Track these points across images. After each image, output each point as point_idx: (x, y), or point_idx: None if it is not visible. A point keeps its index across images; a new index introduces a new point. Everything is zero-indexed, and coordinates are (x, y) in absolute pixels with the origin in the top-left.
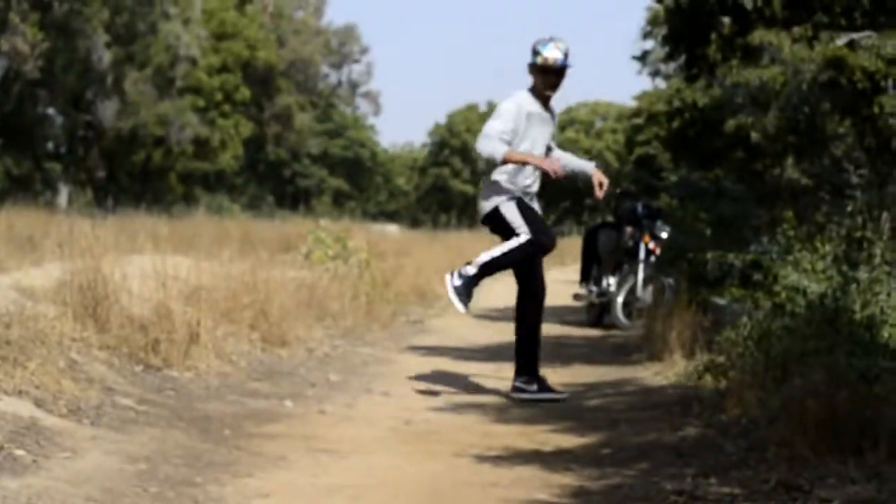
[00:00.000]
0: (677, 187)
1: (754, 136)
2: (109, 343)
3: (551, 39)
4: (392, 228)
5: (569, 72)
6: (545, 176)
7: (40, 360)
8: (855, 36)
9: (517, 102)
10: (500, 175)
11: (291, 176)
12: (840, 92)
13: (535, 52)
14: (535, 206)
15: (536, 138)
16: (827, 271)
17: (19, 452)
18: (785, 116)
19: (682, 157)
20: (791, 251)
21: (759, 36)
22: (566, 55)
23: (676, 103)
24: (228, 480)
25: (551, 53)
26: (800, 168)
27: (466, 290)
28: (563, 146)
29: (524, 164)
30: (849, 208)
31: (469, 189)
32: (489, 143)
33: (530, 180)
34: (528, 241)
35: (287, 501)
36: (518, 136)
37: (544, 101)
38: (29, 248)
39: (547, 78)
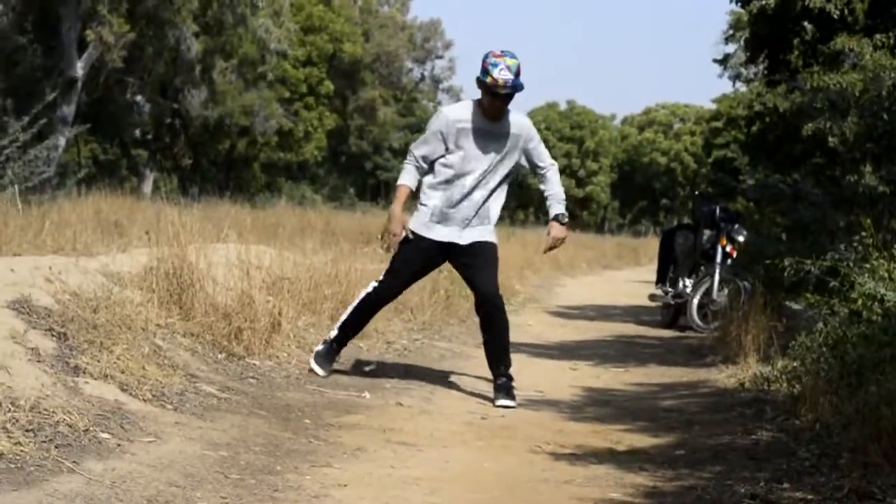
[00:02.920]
0: (755, 190)
1: (832, 141)
2: (193, 330)
3: (503, 56)
4: None
5: (518, 93)
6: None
7: (126, 345)
8: None
9: (444, 117)
10: (424, 188)
11: (373, 168)
12: None
13: (485, 71)
14: (464, 231)
15: (473, 152)
16: None
17: (104, 436)
18: (864, 122)
19: (759, 161)
20: (868, 259)
21: (841, 42)
22: (517, 75)
23: (756, 107)
24: (307, 469)
25: (501, 75)
26: (877, 175)
27: (327, 355)
28: (642, 146)
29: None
30: None
31: None
32: (403, 166)
33: (461, 200)
34: (371, 291)
35: (364, 492)
36: (449, 151)
37: (493, 117)
38: (116, 234)
39: (493, 101)
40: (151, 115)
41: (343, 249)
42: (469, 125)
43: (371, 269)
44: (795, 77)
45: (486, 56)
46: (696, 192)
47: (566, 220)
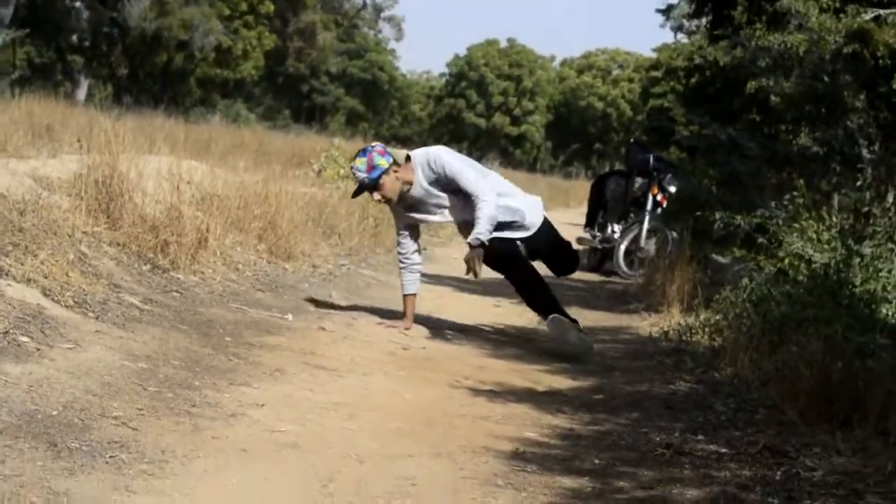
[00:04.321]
0: (690, 139)
1: (773, 99)
2: (119, 240)
3: (355, 159)
4: (403, 153)
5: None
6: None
7: (51, 251)
8: (882, 12)
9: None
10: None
11: (309, 92)
12: (861, 65)
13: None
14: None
15: (422, 217)
16: (832, 243)
17: (23, 339)
18: (805, 83)
19: (696, 113)
20: (798, 218)
21: (787, 2)
22: (368, 170)
23: (697, 60)
24: (226, 387)
25: (357, 175)
26: (813, 136)
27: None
28: (579, 90)
29: None
30: (858, 182)
31: (482, 122)
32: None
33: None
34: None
35: (282, 413)
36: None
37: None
38: (47, 138)
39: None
40: (90, 22)
41: (275, 171)
42: (400, 207)
43: (301, 192)
44: (738, 33)
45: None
46: (631, 140)
47: (476, 243)
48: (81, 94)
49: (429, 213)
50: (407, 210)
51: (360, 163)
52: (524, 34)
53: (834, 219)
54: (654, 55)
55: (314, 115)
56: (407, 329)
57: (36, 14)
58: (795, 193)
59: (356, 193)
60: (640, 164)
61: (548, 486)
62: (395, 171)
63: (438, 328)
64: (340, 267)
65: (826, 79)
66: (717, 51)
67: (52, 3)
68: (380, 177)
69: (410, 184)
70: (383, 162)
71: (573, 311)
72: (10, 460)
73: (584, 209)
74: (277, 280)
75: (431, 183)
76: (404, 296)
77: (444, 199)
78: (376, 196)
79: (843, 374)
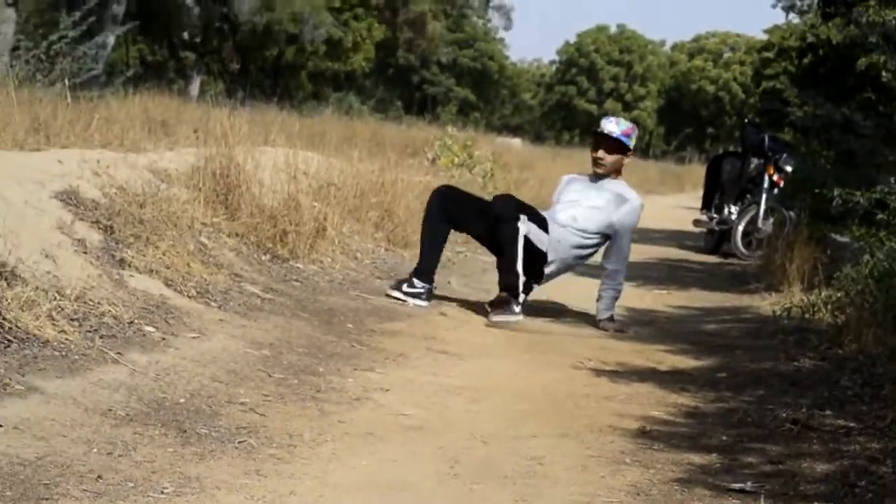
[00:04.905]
0: (805, 119)
1: (885, 76)
2: (238, 230)
3: (617, 117)
4: (515, 142)
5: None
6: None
7: (171, 242)
8: None
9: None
10: None
11: (420, 82)
12: None
13: (597, 125)
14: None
15: (575, 197)
16: None
17: (148, 329)
18: None
19: (809, 93)
20: None
21: None
22: (625, 134)
23: (810, 39)
24: (349, 372)
25: (605, 124)
26: None
27: None
28: (690, 74)
29: None
30: None
31: (593, 109)
32: None
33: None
34: None
35: (406, 397)
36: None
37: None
38: (163, 133)
39: (596, 148)
40: (201, 18)
41: (390, 159)
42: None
43: (416, 181)
44: (851, 10)
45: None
46: (746, 120)
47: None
48: (194, 90)
49: (587, 202)
50: (575, 189)
51: (624, 122)
52: (634, 19)
53: None
54: (765, 37)
55: (426, 105)
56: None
57: (148, 11)
58: None
59: (595, 135)
60: (756, 144)
61: (676, 462)
62: (627, 156)
63: (559, 311)
64: (458, 254)
65: None
66: (830, 29)
67: (163, 1)
68: (623, 145)
69: (608, 174)
70: (633, 141)
71: (691, 294)
72: (141, 447)
73: (699, 193)
74: (396, 267)
75: (608, 194)
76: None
77: (599, 211)
78: (599, 154)
79: None
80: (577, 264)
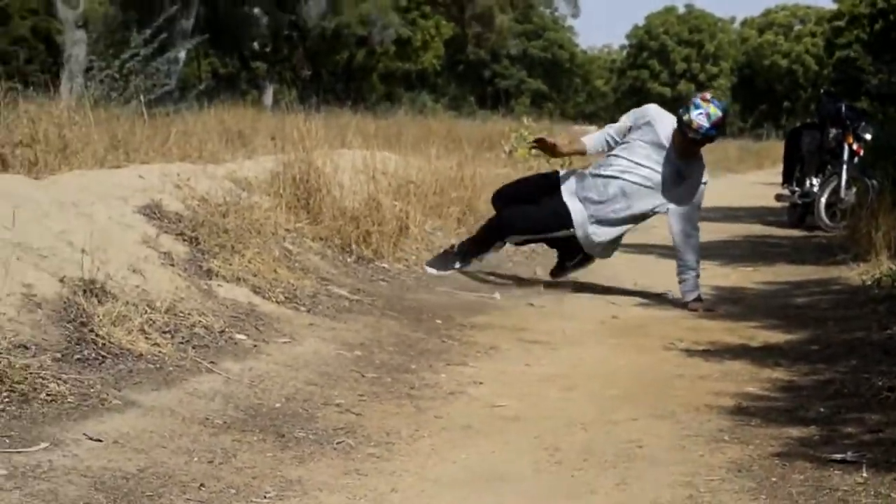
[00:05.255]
0: (881, 86)
1: None
2: (322, 234)
3: (710, 102)
4: (591, 129)
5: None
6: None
7: (256, 249)
8: None
9: (639, 114)
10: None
11: (491, 77)
12: None
13: (687, 107)
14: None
15: (636, 149)
16: None
17: (240, 336)
18: None
19: (884, 59)
20: None
21: None
22: (714, 126)
23: (880, 4)
24: (442, 368)
25: (697, 119)
26: None
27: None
28: (762, 49)
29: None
30: None
31: (667, 91)
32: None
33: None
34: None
35: (501, 389)
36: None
37: (679, 154)
38: (240, 143)
39: (682, 138)
40: (269, 28)
41: (467, 154)
42: (653, 137)
43: (495, 174)
44: None
45: (696, 94)
46: (822, 91)
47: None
48: (268, 99)
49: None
50: (643, 154)
51: (714, 112)
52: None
53: None
54: (835, 6)
55: (499, 99)
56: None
57: (217, 24)
58: None
59: (682, 123)
60: (833, 114)
61: (774, 437)
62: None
63: (647, 295)
64: (542, 244)
65: None
66: None
67: (231, 13)
68: (711, 138)
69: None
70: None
71: (778, 268)
72: (240, 453)
73: (778, 169)
74: (480, 262)
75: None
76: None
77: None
78: (690, 134)
79: None
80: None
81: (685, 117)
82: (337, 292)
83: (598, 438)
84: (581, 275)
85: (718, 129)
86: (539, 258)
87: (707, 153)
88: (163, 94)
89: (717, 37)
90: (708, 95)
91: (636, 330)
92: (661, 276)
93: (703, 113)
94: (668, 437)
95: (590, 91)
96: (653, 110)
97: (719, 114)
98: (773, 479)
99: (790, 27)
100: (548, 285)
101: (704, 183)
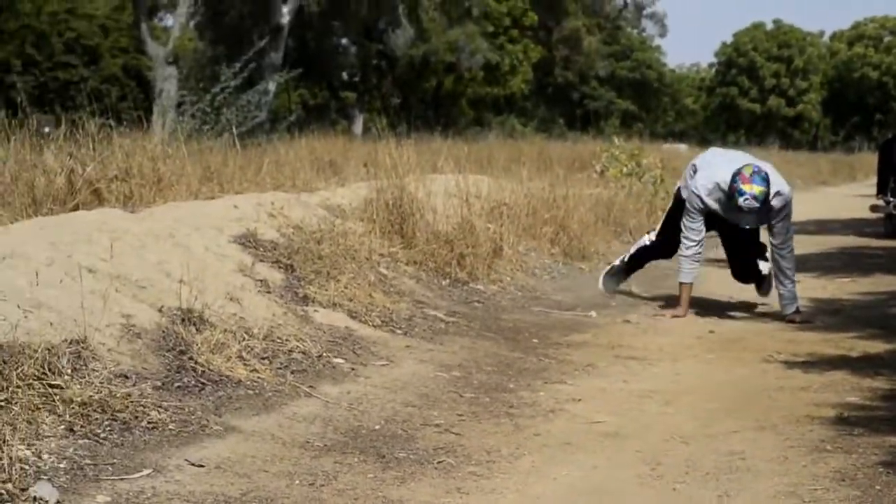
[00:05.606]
0: None
1: None
2: (416, 258)
3: (751, 183)
4: (682, 147)
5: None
6: None
7: (351, 275)
8: None
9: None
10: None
11: (580, 98)
12: None
13: (731, 193)
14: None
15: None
16: None
17: (337, 361)
18: None
19: None
20: None
21: None
22: (763, 202)
23: None
24: (540, 386)
25: (745, 203)
26: None
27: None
28: (852, 62)
29: None
30: None
31: (756, 108)
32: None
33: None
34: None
35: (600, 406)
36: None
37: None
38: (332, 171)
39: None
40: (358, 57)
41: (558, 175)
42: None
43: (586, 194)
44: None
45: (736, 176)
46: None
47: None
48: (358, 128)
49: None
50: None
51: (760, 191)
52: (790, 13)
53: None
54: None
55: (588, 120)
56: (679, 316)
57: (306, 56)
58: None
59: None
60: None
61: (878, 446)
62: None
63: (742, 309)
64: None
65: None
66: None
67: (320, 44)
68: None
69: None
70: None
71: (875, 279)
72: (342, 475)
73: (872, 181)
74: (575, 281)
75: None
76: (684, 284)
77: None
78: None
79: None
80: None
81: (737, 204)
82: (433, 314)
83: (699, 451)
84: (675, 291)
85: (768, 198)
86: (634, 275)
87: (799, 168)
88: (254, 126)
89: (807, 51)
90: (747, 174)
91: (733, 343)
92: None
93: (749, 197)
94: (769, 449)
95: (679, 109)
96: (698, 161)
97: (764, 189)
98: (878, 488)
99: (880, 39)
100: (642, 301)
101: (779, 194)
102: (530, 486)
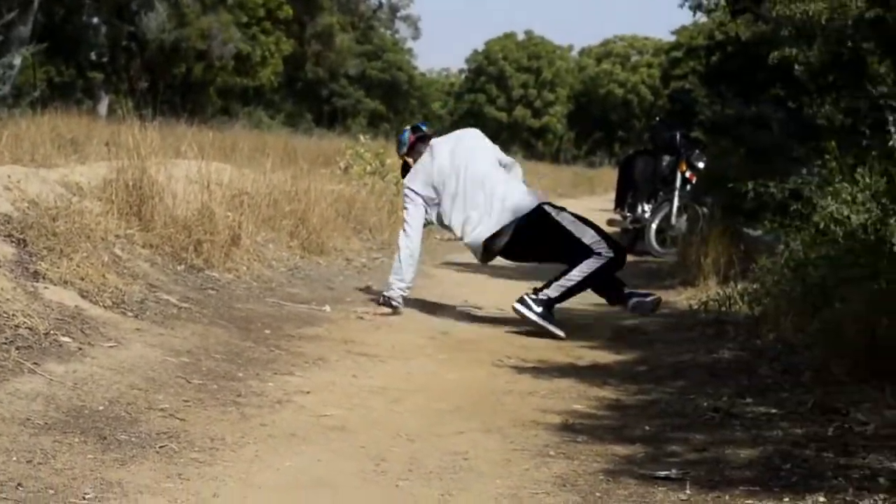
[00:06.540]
0: (714, 115)
1: (797, 69)
2: (153, 241)
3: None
4: None
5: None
6: None
7: (85, 254)
8: None
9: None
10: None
11: (329, 95)
12: (884, 30)
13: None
14: None
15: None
16: (866, 204)
17: (65, 339)
18: (828, 51)
19: (718, 91)
20: (831, 182)
21: None
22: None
23: (719, 37)
24: (269, 377)
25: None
26: (839, 107)
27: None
28: (599, 78)
29: None
30: (889, 143)
31: (503, 116)
32: None
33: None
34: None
35: (328, 399)
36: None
37: None
38: (73, 149)
39: None
40: (108, 37)
41: (302, 169)
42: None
43: (329, 190)
44: (759, 5)
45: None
46: (657, 118)
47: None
48: (103, 109)
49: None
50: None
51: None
52: (541, 25)
53: (867, 180)
54: (673, 38)
55: (335, 118)
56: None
57: (54, 32)
58: (827, 157)
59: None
60: (667, 141)
61: (600, 454)
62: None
63: (476, 312)
64: (374, 260)
65: (850, 45)
66: (739, 25)
67: (69, 21)
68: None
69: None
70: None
71: None
72: (60, 454)
73: (610, 195)
74: (311, 275)
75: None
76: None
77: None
78: None
79: (890, 328)
80: None
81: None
82: (165, 299)
83: (424, 450)
84: (412, 292)
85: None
86: (370, 273)
87: (541, 179)
88: None
89: (556, 64)
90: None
91: (466, 345)
92: (492, 294)
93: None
94: (494, 451)
95: (426, 113)
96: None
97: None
98: (598, 495)
99: (628, 57)
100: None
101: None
102: (253, 475)
